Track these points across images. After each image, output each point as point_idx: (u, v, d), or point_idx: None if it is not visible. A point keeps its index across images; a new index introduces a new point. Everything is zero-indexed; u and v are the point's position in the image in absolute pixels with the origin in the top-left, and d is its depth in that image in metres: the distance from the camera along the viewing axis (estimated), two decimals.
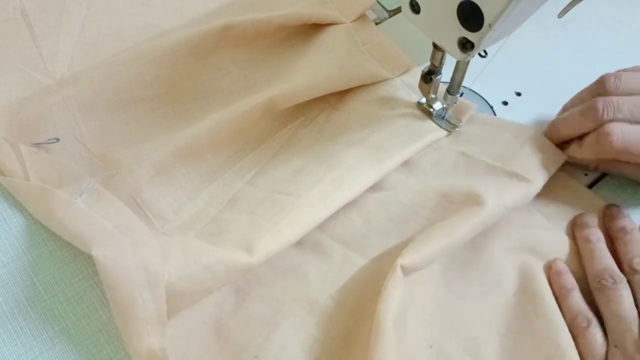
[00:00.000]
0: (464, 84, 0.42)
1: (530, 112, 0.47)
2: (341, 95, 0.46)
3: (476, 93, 0.48)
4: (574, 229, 0.40)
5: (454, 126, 0.44)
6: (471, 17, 0.33)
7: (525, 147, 0.42)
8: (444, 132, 0.44)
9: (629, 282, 0.36)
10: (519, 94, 0.48)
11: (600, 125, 0.39)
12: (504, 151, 0.42)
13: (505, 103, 0.48)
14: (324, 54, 0.47)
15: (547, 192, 0.41)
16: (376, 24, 0.51)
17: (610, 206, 0.41)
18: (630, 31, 0.53)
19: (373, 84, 0.46)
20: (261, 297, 0.37)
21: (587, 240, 0.38)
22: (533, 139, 0.42)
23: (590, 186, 0.43)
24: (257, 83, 0.47)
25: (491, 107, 0.47)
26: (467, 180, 0.40)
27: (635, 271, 0.36)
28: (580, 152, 0.41)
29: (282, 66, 0.48)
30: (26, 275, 0.37)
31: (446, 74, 0.41)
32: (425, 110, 0.44)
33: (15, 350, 0.34)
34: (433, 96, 0.43)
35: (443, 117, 0.44)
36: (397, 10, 0.52)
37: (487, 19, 0.33)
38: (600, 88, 0.40)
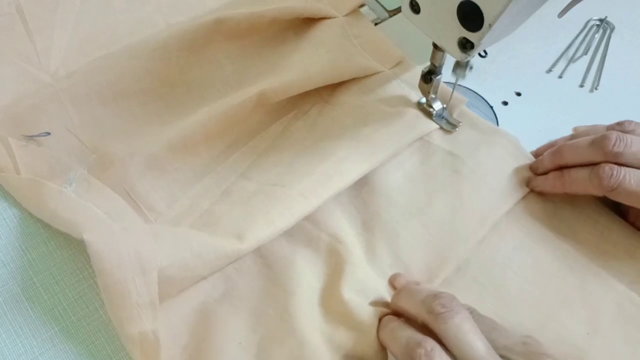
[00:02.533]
0: (464, 84, 0.42)
1: (530, 112, 0.47)
2: (333, 88, 0.46)
3: (476, 93, 0.48)
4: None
5: (454, 126, 0.44)
6: (471, 17, 0.33)
7: (505, 163, 0.42)
8: (435, 125, 0.44)
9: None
10: (519, 94, 0.48)
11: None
12: (485, 161, 0.42)
13: (505, 103, 0.48)
14: (316, 47, 0.47)
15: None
16: (376, 24, 0.51)
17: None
18: (630, 31, 0.53)
19: (365, 77, 0.46)
20: (249, 287, 0.37)
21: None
22: (512, 155, 0.43)
23: None
24: (250, 77, 0.47)
25: (491, 107, 0.47)
26: (451, 199, 0.41)
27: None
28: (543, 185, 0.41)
29: (275, 60, 0.48)
30: (26, 275, 0.37)
31: (446, 74, 0.41)
32: (425, 110, 0.44)
33: (15, 350, 0.34)
34: (433, 96, 0.43)
35: (443, 117, 0.44)
36: (397, 10, 0.52)
37: (487, 19, 0.33)
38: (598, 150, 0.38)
